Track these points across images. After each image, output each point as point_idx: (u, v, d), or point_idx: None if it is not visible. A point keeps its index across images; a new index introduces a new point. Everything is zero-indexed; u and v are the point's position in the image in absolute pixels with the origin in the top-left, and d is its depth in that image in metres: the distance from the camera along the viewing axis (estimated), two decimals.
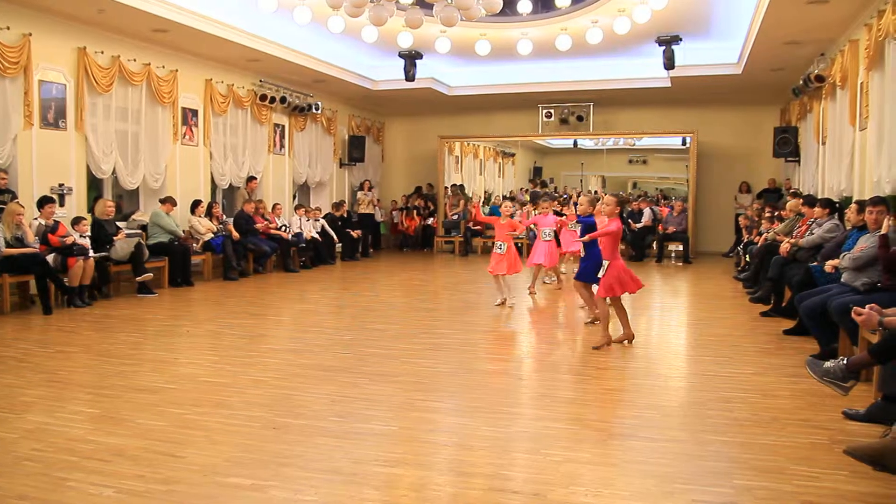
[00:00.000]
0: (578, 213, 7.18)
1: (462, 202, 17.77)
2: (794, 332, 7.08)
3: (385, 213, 18.33)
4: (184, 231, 11.28)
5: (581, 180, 19.25)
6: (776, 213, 11.20)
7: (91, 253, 8.98)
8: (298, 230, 13.57)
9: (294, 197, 15.40)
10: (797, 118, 13.71)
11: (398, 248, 18.45)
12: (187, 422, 4.43)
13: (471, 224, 17.00)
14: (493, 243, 9.14)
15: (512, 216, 9.21)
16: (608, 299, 6.63)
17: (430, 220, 18.07)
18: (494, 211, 17.44)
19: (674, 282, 12.27)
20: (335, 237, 14.51)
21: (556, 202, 11.51)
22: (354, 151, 16.92)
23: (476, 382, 5.39)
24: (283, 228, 13.18)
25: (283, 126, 14.50)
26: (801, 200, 9.33)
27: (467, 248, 16.84)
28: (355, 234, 15.19)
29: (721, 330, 7.53)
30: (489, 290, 11.03)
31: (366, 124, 18.04)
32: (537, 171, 19.98)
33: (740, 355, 6.30)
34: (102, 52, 10.14)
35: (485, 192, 20.01)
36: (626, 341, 6.75)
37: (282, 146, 14.49)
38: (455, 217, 17.70)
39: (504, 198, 13.55)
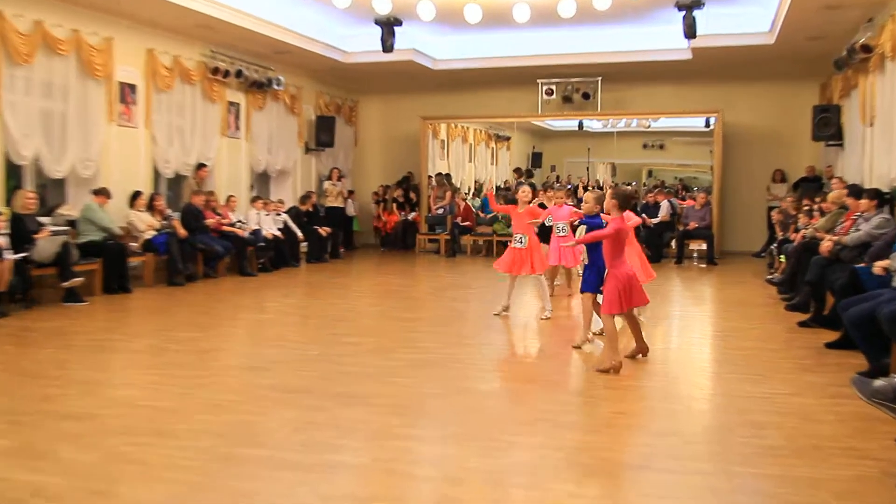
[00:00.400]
0: (584, 211, 7.12)
1: (448, 194, 17.78)
2: (837, 345, 7.12)
3: (358, 207, 18.30)
4: (120, 228, 11.21)
5: (587, 168, 19.30)
6: (816, 206, 11.27)
7: (8, 254, 8.89)
8: (256, 227, 13.51)
9: (252, 188, 15.34)
10: (840, 95, 13.80)
11: (374, 247, 18.43)
12: (122, 455, 4.37)
13: (458, 219, 17.00)
14: (514, 236, 8.84)
15: (529, 203, 8.95)
16: (615, 315, 6.43)
17: (412, 216, 18.08)
18: (488, 205, 17.46)
19: (696, 286, 12.31)
20: (300, 235, 14.47)
21: (548, 192, 11.06)
22: (323, 134, 16.88)
23: (465, 405, 5.37)
24: (239, 225, 13.12)
25: (239, 105, 14.43)
26: (846, 191, 9.39)
27: (455, 248, 16.85)
28: (324, 231, 15.14)
29: (751, 343, 7.56)
30: (480, 295, 11.01)
31: (336, 103, 18.00)
32: (536, 158, 20.01)
33: (774, 373, 6.32)
34: (22, 16, 10.05)
35: (475, 181, 20.03)
36: (639, 355, 6.76)
37: (237, 128, 14.42)
38: (441, 211, 17.70)
39: (519, 183, 13.18)
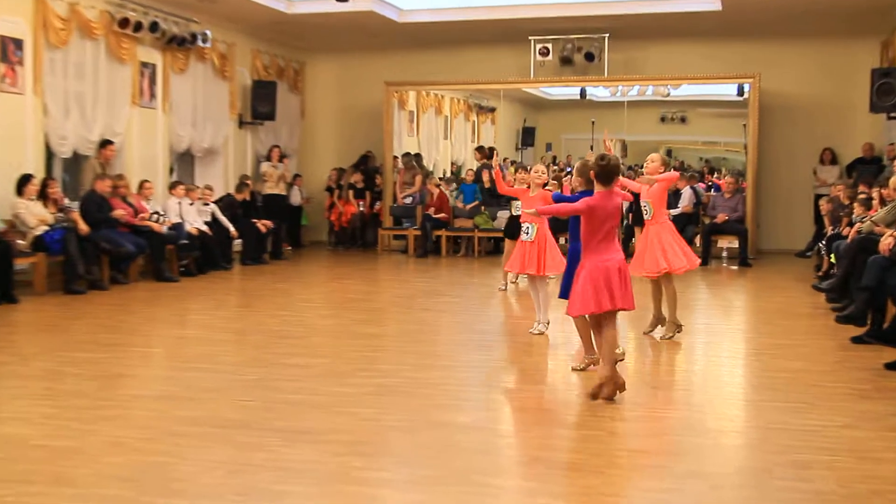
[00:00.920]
0: (573, 186, 7.18)
1: (418, 179, 17.77)
2: None
3: (307, 196, 18.25)
4: (3, 222, 11.10)
5: (591, 146, 19.33)
6: (874, 194, 11.37)
7: None
8: (178, 220, 13.43)
9: (172, 171, 15.23)
10: None
11: (326, 245, 18.38)
12: None
13: (431, 211, 17.00)
14: (521, 227, 8.79)
15: (545, 185, 8.88)
16: (587, 317, 6.41)
17: (376, 206, 18.05)
18: (467, 193, 17.46)
19: (726, 293, 12.41)
20: (232, 230, 14.40)
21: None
22: (261, 104, 16.80)
23: (439, 442, 5.37)
24: (156, 217, 13.03)
25: (155, 66, 14.33)
26: None
27: (426, 247, 16.85)
28: (262, 225, 15.08)
29: (794, 363, 7.61)
30: (458, 305, 11.02)
31: (277, 65, 17.92)
32: (528, 134, 20.06)
33: (823, 400, 6.37)
34: None
35: (452, 163, 20.03)
36: (590, 366, 6.69)
37: (152, 96, 14.31)
38: (409, 201, 17.69)
39: (517, 164, 12.97)
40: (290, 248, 17.05)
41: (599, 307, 6.13)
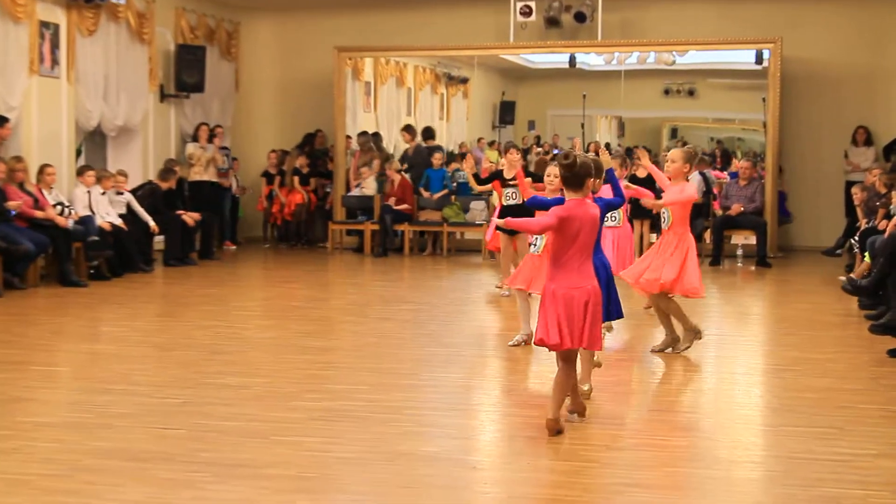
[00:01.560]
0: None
1: (377, 163, 17.75)
2: None
3: (243, 184, 18.19)
4: None
5: (582, 124, 19.41)
6: None
7: None
8: (87, 212, 13.35)
9: (79, 154, 15.10)
10: None
11: (265, 242, 18.31)
12: None
13: (392, 201, 16.99)
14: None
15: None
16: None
17: (329, 197, 18.03)
18: (434, 179, 17.46)
19: (741, 298, 12.50)
20: (152, 224, 14.33)
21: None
22: (187, 73, 16.72)
23: (399, 475, 5.39)
24: (60, 209, 12.95)
25: (58, 27, 14.21)
26: None
27: (386, 244, 16.84)
28: (190, 219, 15.04)
29: (822, 381, 7.69)
30: (422, 314, 11.04)
31: (207, 25, 17.84)
32: (507, 109, 20.11)
33: (855, 425, 6.43)
34: None
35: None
36: (573, 415, 6.48)
37: (55, 63, 14.20)
38: (363, 188, 17.65)
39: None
40: (234, 246, 17.09)
41: (559, 343, 6.00)
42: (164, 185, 15.10)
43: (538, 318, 6.17)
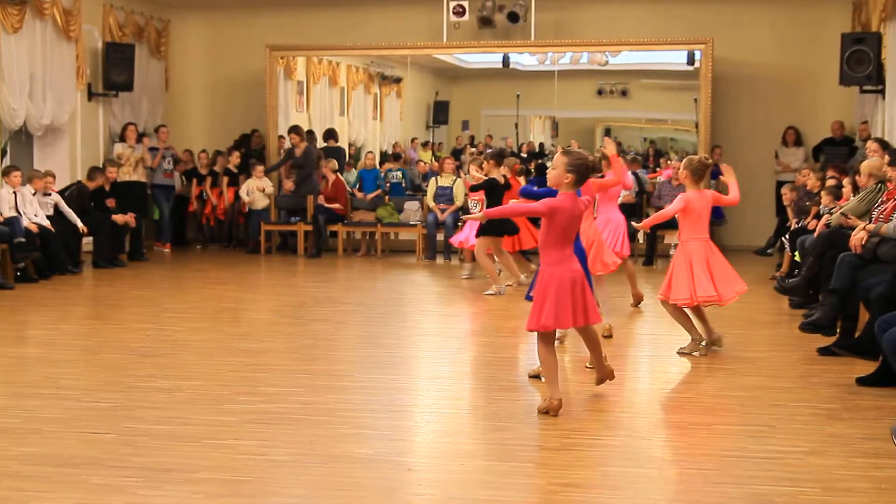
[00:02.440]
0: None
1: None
2: (873, 380, 7.35)
3: (182, 182, 18.05)
4: None
5: (516, 124, 19.49)
6: (845, 182, 11.66)
7: None
8: (13, 213, 13.18)
9: (4, 154, 14.91)
10: (881, 19, 14.20)
11: (196, 244, 18.18)
12: None
13: (322, 200, 16.92)
14: None
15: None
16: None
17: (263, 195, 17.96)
18: (367, 180, 17.43)
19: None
20: (80, 225, 14.18)
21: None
22: (115, 72, 16.56)
23: (334, 478, 5.39)
24: None
25: None
26: (887, 158, 9.71)
27: (319, 244, 16.79)
28: (125, 219, 14.92)
29: (754, 379, 7.79)
30: (358, 315, 11.04)
31: (136, 23, 17.67)
32: (440, 109, 20.14)
33: (785, 422, 6.52)
34: None
35: (349, 144, 19.99)
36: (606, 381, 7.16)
37: None
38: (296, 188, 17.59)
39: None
40: (167, 248, 17.01)
41: (544, 326, 6.57)
42: (92, 185, 14.94)
43: (536, 303, 6.60)
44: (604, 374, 7.17)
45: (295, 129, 17.62)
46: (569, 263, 6.64)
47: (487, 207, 11.39)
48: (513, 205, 7.13)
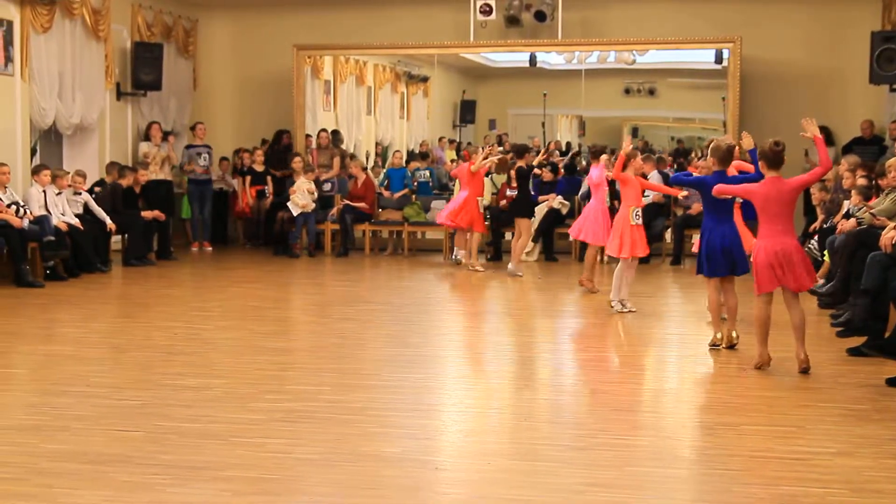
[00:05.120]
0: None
1: (337, 161, 17.68)
2: None
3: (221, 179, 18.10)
4: None
5: (543, 123, 19.45)
6: (875, 181, 11.60)
7: None
8: (43, 212, 13.25)
9: (34, 153, 14.98)
10: None
11: (242, 241, 18.21)
12: None
13: (351, 201, 16.93)
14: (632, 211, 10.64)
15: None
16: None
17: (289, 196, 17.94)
18: (394, 179, 17.44)
19: (701, 298, 12.53)
20: (109, 223, 14.24)
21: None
22: (144, 71, 16.60)
23: (361, 477, 5.40)
24: (15, 209, 12.86)
25: (12, 23, 14.10)
26: None
27: (347, 243, 16.81)
28: (151, 214, 15.00)
29: (782, 380, 7.77)
30: (385, 315, 11.04)
31: (164, 23, 17.73)
32: (467, 108, 20.12)
33: (814, 423, 6.51)
34: None
35: (376, 143, 20.02)
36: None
37: (9, 60, 14.09)
38: (326, 188, 17.58)
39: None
40: (210, 247, 17.10)
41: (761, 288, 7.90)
42: (124, 183, 14.99)
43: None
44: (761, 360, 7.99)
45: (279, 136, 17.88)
46: (778, 238, 7.74)
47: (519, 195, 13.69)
48: (732, 187, 8.35)
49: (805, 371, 7.75)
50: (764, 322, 8.03)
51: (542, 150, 14.23)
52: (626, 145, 10.84)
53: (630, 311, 10.50)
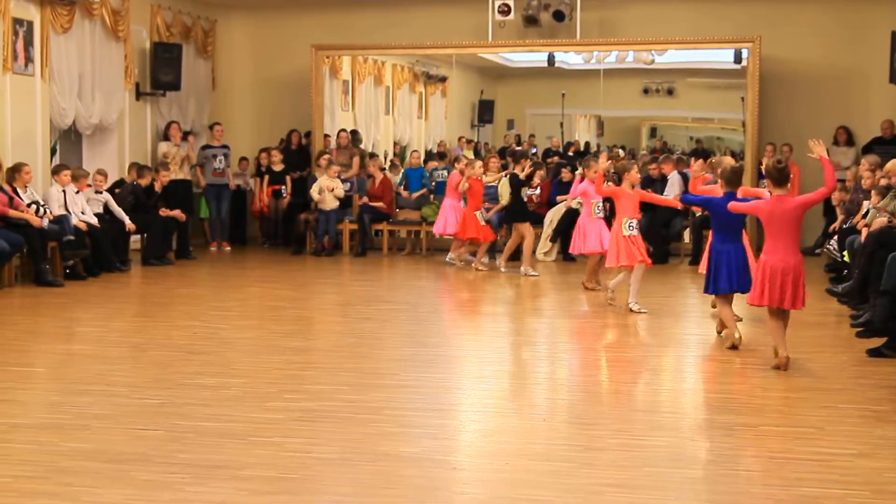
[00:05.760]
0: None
1: (356, 161, 17.69)
2: None
3: (245, 181, 18.13)
4: None
5: (561, 123, 19.43)
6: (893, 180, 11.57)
7: None
8: (62, 211, 13.30)
9: (54, 152, 15.02)
10: None
11: (266, 240, 18.21)
12: None
13: (368, 200, 16.94)
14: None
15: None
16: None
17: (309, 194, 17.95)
18: (412, 179, 17.44)
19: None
20: (128, 223, 14.28)
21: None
22: (163, 72, 16.65)
23: (380, 476, 5.41)
24: (35, 208, 12.90)
25: (32, 24, 14.16)
26: None
27: (365, 243, 16.83)
28: (171, 213, 15.05)
29: (802, 380, 7.75)
30: (403, 314, 11.05)
31: (183, 23, 17.77)
32: (485, 108, 20.11)
33: (834, 424, 6.49)
34: None
35: (394, 143, 20.03)
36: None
37: (29, 60, 14.14)
38: (346, 187, 17.58)
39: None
40: (228, 247, 17.10)
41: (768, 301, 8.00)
42: (144, 182, 15.02)
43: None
44: (780, 361, 8.01)
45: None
46: (780, 255, 7.89)
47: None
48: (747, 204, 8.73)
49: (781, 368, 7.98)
50: (775, 327, 8.14)
51: (529, 163, 14.14)
52: (602, 161, 11.22)
53: (642, 311, 10.58)
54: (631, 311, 10.63)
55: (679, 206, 13.13)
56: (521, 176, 13.90)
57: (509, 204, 14.18)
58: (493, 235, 14.78)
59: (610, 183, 11.18)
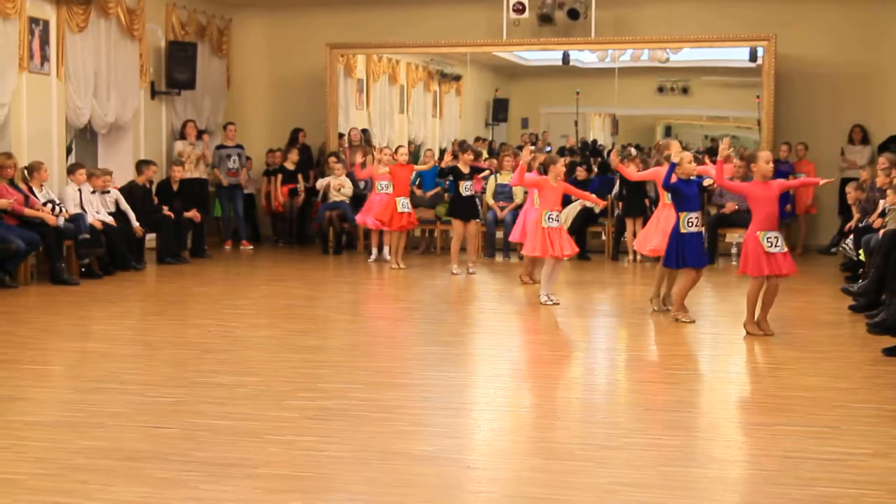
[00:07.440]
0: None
1: (369, 158, 17.68)
2: None
3: (253, 179, 18.14)
4: None
5: (576, 122, 19.42)
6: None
7: None
8: (78, 210, 13.33)
9: (69, 151, 15.06)
10: None
11: (279, 239, 18.23)
12: None
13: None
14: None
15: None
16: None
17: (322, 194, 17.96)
18: (426, 178, 17.45)
19: (735, 297, 12.48)
20: (135, 224, 14.24)
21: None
22: (178, 70, 16.69)
23: (394, 475, 5.41)
24: (51, 207, 12.94)
25: (48, 23, 14.19)
26: None
27: (380, 242, 16.81)
28: (188, 214, 15.07)
29: (816, 380, 7.72)
30: (417, 313, 11.05)
31: (198, 22, 17.81)
32: (500, 106, 20.10)
33: (849, 423, 6.46)
34: None
35: (409, 141, 20.02)
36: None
37: (45, 59, 14.18)
38: (361, 185, 17.59)
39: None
40: (250, 246, 17.15)
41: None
42: (140, 180, 15.01)
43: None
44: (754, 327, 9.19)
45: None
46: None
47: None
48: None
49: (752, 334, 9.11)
50: (753, 299, 9.30)
51: (471, 155, 14.13)
52: (525, 154, 11.60)
53: (555, 303, 11.03)
54: (542, 303, 10.98)
55: (602, 204, 13.34)
56: (464, 170, 13.80)
57: (451, 198, 14.39)
58: (411, 225, 15.04)
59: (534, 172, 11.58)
